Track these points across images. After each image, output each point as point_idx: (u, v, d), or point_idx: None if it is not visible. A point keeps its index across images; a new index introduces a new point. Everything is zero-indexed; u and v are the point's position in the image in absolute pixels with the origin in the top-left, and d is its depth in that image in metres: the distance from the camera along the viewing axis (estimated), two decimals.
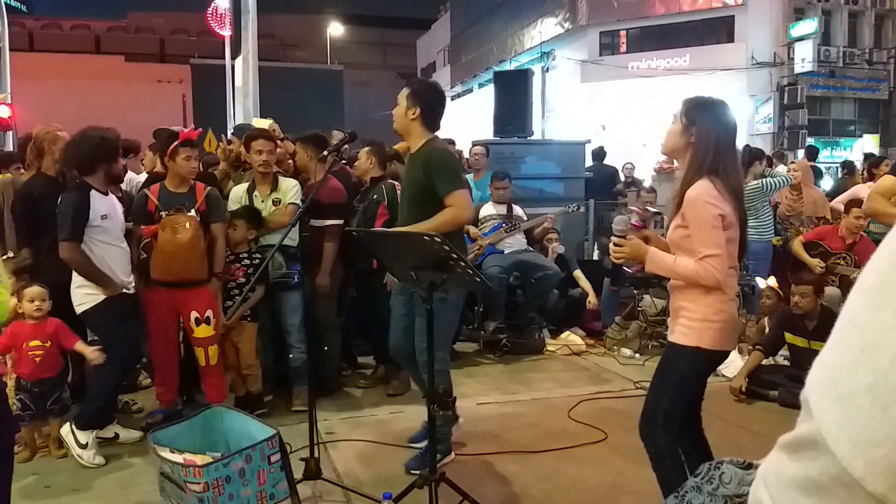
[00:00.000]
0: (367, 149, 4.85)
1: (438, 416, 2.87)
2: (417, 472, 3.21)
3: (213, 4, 19.68)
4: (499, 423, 4.15)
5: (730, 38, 20.63)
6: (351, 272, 4.89)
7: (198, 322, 3.99)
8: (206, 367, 4.08)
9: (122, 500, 3.22)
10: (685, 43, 21.07)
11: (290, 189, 4.45)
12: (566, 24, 23.42)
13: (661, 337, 5.39)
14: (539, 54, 24.78)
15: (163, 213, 3.97)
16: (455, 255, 2.54)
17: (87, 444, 3.57)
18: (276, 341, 4.58)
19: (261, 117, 7.16)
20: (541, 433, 4.00)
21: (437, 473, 2.79)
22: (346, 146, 3.84)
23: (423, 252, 2.65)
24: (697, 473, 1.11)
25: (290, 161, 4.95)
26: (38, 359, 3.61)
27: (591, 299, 6.13)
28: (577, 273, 6.27)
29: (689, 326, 2.46)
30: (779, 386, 4.49)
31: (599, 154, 9.98)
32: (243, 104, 8.92)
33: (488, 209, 6.01)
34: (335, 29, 34.34)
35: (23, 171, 4.76)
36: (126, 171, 4.67)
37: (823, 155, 16.69)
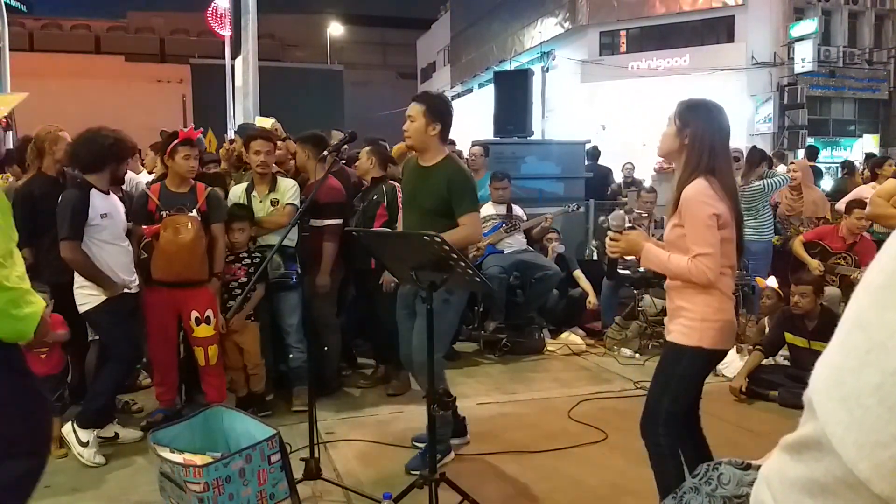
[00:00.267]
0: (367, 149, 4.85)
1: (438, 417, 2.87)
2: (417, 472, 3.21)
3: (213, 4, 19.64)
4: (499, 423, 4.15)
5: (730, 38, 20.64)
6: (350, 272, 4.89)
7: (198, 322, 3.99)
8: (205, 367, 4.08)
9: (122, 500, 3.22)
10: (685, 43, 21.09)
11: (288, 189, 4.45)
12: (566, 24, 23.43)
13: (661, 337, 5.34)
14: (539, 54, 24.80)
15: (163, 213, 3.97)
16: (455, 255, 2.54)
17: (88, 442, 3.57)
18: (275, 341, 4.58)
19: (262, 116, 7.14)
20: (541, 433, 3.99)
21: (437, 473, 2.79)
22: (345, 146, 3.84)
23: (423, 252, 2.65)
24: (696, 474, 1.11)
25: (291, 161, 4.95)
26: (42, 356, 3.62)
27: (591, 299, 6.13)
28: (577, 273, 6.27)
29: (689, 326, 2.46)
30: (779, 386, 4.49)
31: (593, 154, 9.91)
32: (243, 104, 8.90)
33: (488, 209, 5.99)
34: (335, 29, 34.31)
35: (11, 178, 4.76)
36: (126, 172, 4.67)
37: (823, 155, 16.69)
